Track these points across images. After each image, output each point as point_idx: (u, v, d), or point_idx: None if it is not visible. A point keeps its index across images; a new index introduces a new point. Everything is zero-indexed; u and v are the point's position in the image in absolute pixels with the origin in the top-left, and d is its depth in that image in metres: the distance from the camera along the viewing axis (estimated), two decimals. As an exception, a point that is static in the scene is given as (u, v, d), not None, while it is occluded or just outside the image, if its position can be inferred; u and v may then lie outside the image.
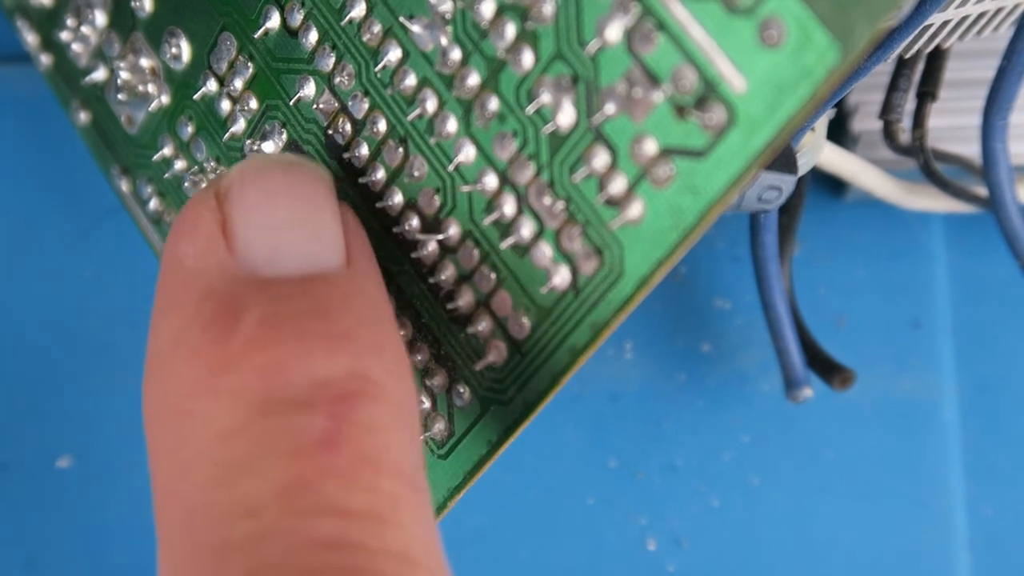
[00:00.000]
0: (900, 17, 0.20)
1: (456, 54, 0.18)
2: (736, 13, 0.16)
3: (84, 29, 0.23)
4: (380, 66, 0.19)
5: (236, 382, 0.16)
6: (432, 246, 0.19)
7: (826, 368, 0.25)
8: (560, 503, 0.27)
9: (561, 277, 0.18)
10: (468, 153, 0.18)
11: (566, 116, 0.17)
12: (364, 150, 0.19)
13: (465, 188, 0.18)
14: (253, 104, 0.21)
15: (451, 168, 0.18)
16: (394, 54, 0.19)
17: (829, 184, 0.28)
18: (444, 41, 0.18)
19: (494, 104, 0.18)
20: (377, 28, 0.19)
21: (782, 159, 0.21)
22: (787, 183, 0.21)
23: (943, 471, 0.27)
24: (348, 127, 0.19)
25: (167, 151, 0.22)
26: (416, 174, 0.19)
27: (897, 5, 0.15)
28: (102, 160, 0.24)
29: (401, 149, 0.19)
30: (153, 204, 0.23)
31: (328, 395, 0.16)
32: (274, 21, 0.20)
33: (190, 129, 0.22)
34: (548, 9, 0.17)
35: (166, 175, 0.22)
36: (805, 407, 0.27)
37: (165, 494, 0.17)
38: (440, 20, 0.18)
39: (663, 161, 0.17)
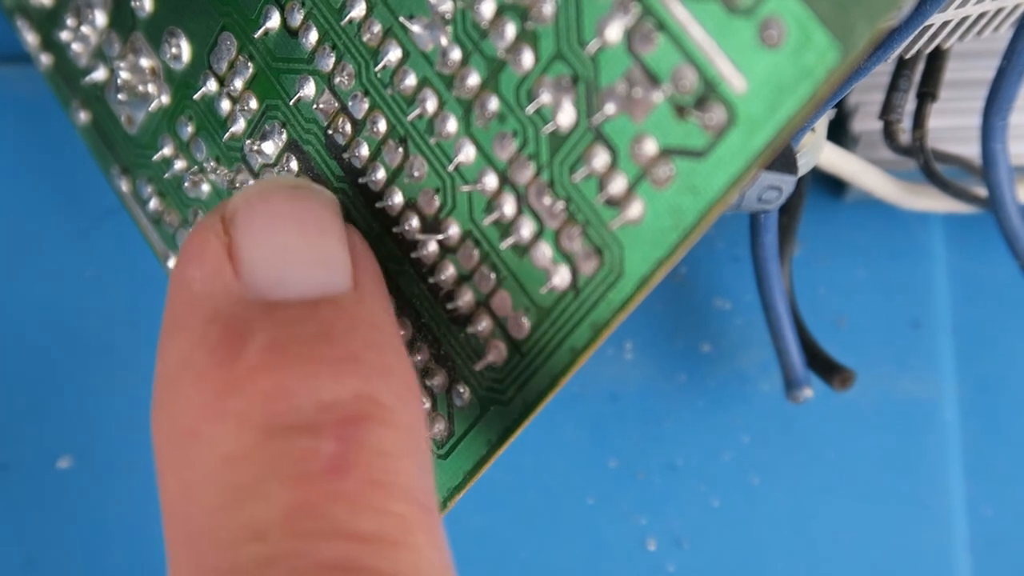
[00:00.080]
0: (900, 17, 0.20)
1: (456, 54, 0.18)
2: (736, 13, 0.16)
3: (84, 29, 0.23)
4: (380, 66, 0.19)
5: (242, 405, 0.16)
6: (432, 246, 0.19)
7: (826, 368, 0.25)
8: (560, 503, 0.27)
9: (561, 277, 0.18)
10: (468, 153, 0.18)
11: (566, 116, 0.17)
12: (364, 150, 0.19)
13: (465, 188, 0.18)
14: (253, 104, 0.21)
15: (451, 168, 0.18)
16: (394, 54, 0.19)
17: (829, 184, 0.28)
18: (444, 41, 0.18)
19: (494, 104, 0.18)
20: (377, 28, 0.19)
21: (782, 159, 0.21)
22: (787, 183, 0.21)
23: (943, 471, 0.27)
24: (348, 127, 0.19)
25: (167, 151, 0.22)
26: (416, 174, 0.19)
27: (897, 5, 0.15)
28: (102, 160, 0.24)
29: (401, 149, 0.19)
30: (153, 204, 0.23)
31: (335, 418, 0.16)
32: (274, 21, 0.20)
33: (190, 129, 0.22)
34: (548, 9, 0.17)
35: (166, 175, 0.22)
36: (805, 407, 0.27)
37: (173, 517, 0.17)
38: (440, 20, 0.18)
39: (663, 161, 0.17)
